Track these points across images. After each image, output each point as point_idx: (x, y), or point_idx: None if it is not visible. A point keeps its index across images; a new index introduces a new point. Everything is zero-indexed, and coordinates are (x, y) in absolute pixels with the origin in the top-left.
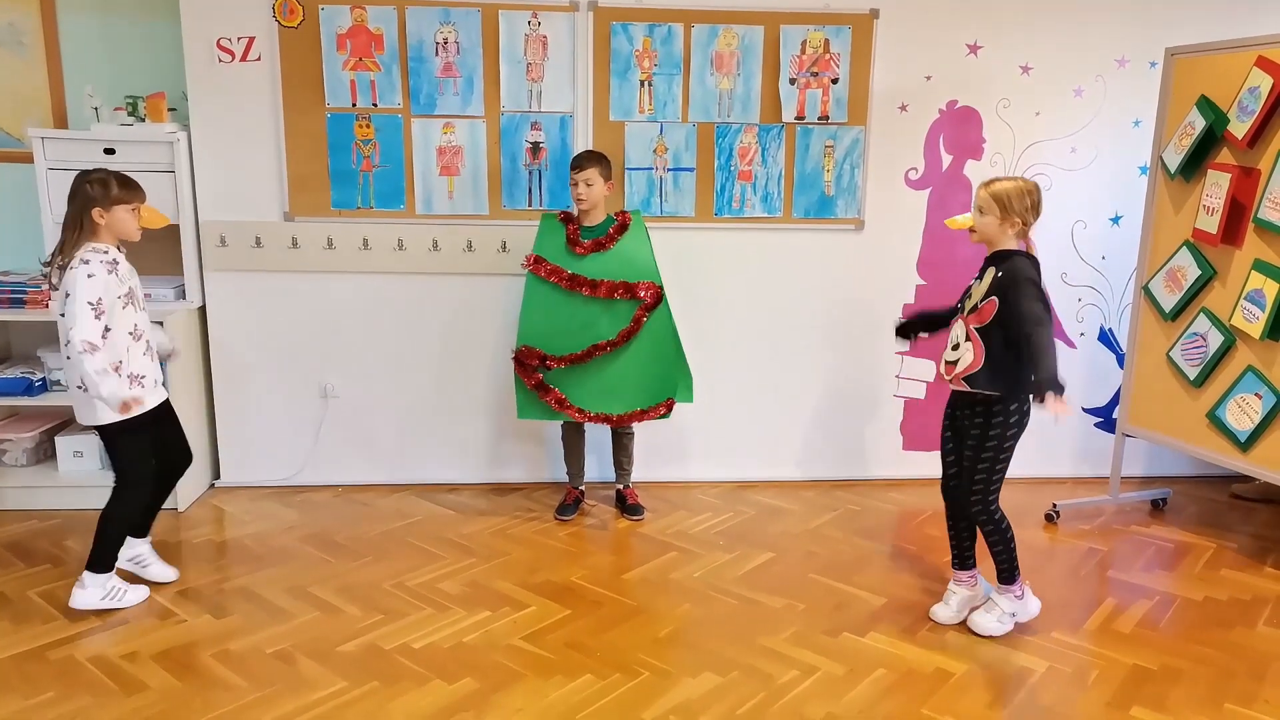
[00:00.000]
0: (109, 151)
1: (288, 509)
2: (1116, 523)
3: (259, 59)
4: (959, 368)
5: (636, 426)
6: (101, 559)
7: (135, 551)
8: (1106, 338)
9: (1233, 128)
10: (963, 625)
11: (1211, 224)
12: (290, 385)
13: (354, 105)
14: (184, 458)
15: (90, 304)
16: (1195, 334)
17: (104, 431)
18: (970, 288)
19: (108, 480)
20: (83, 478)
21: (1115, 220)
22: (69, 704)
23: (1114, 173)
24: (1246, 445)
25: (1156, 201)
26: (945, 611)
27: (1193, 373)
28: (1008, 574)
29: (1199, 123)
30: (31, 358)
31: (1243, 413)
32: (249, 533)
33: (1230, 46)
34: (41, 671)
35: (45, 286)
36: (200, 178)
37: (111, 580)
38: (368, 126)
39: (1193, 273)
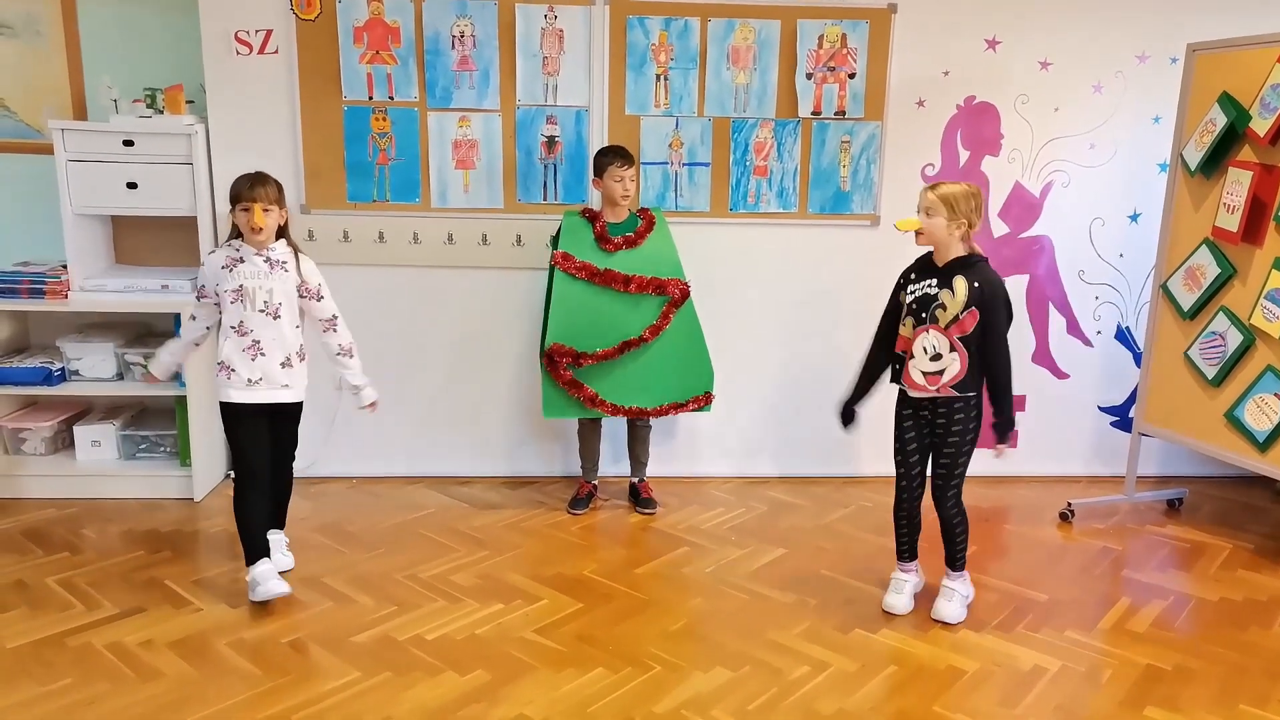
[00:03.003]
0: (128, 143)
1: (302, 500)
2: (1131, 522)
3: (276, 51)
4: (946, 377)
5: (654, 420)
6: (245, 551)
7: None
8: (1124, 336)
9: (1255, 125)
10: (970, 622)
11: (1232, 222)
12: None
13: (370, 98)
14: (286, 461)
15: (197, 288)
16: (1214, 333)
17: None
18: (922, 295)
19: (125, 469)
20: (100, 467)
21: (1134, 218)
22: (85, 690)
23: (1133, 169)
24: (1265, 446)
25: (1176, 199)
26: (901, 601)
27: (1211, 372)
28: (963, 560)
29: (1220, 119)
30: (51, 347)
31: (1261, 413)
32: None
33: (1253, 43)
34: (59, 658)
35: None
36: (218, 170)
37: (253, 570)
38: (384, 119)
39: (1212, 271)
